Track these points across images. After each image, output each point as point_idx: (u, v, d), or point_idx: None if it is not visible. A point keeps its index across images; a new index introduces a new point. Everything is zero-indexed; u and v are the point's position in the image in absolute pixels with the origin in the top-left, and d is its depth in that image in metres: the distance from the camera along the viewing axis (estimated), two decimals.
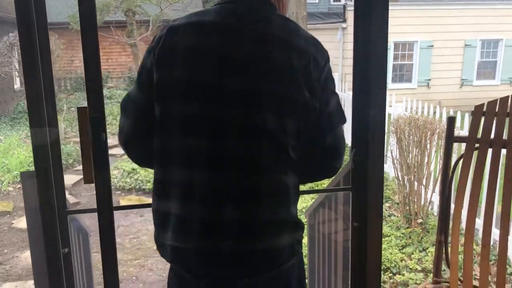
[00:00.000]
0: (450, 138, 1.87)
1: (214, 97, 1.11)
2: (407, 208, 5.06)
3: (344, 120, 1.23)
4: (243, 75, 1.11)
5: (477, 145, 1.85)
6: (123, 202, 6.11)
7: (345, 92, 8.73)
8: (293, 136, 1.14)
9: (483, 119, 1.83)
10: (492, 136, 1.82)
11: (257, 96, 1.12)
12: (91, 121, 1.56)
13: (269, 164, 1.14)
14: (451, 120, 1.86)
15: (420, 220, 4.90)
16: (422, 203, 4.99)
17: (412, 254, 4.31)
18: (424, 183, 5.00)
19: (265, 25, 1.16)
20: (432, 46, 12.52)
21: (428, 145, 4.92)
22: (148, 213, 5.86)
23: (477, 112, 1.84)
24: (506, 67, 13.13)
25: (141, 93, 1.23)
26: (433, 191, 5.05)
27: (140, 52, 12.58)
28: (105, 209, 1.61)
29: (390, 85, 12.15)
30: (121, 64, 15.95)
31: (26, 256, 4.75)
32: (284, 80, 1.12)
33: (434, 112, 6.65)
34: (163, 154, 1.20)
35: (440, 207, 1.87)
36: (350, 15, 11.97)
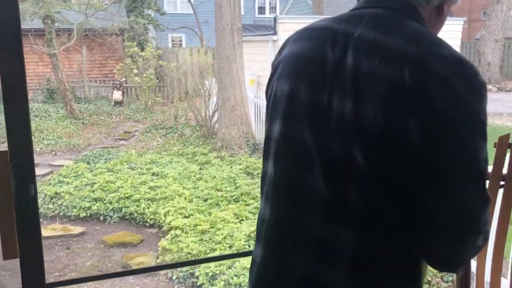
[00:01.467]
0: None
1: (313, 119, 0.89)
2: None
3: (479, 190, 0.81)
4: (333, 91, 0.86)
5: (502, 182, 1.60)
6: (45, 232, 5.41)
7: None
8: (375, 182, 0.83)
9: (508, 152, 1.58)
10: None
11: (348, 120, 0.84)
12: (14, 168, 1.11)
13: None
14: None
15: None
16: None
17: None
18: None
19: (383, 34, 0.85)
20: None
21: None
22: (76, 245, 5.21)
23: (501, 143, 1.58)
24: None
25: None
26: None
27: (60, 62, 11.66)
28: None
29: None
30: (39, 75, 14.87)
31: None
32: (371, 100, 0.82)
33: None
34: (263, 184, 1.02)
35: None
36: (281, 28, 11.87)
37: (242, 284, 4.09)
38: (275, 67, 1.01)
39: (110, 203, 5.97)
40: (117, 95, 13.62)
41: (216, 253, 4.48)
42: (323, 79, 0.87)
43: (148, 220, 5.66)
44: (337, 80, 0.86)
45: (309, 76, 0.90)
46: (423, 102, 0.78)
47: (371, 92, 0.81)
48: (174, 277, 4.43)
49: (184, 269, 4.42)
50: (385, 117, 0.79)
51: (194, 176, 6.87)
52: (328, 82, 0.86)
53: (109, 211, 5.86)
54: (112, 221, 5.77)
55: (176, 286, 4.37)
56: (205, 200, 5.94)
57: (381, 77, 0.80)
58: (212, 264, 4.31)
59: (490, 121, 12.32)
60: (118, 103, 13.59)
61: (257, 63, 12.40)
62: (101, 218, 5.81)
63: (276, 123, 0.94)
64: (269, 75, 1.04)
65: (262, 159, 1.06)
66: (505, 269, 1.96)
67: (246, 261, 4.34)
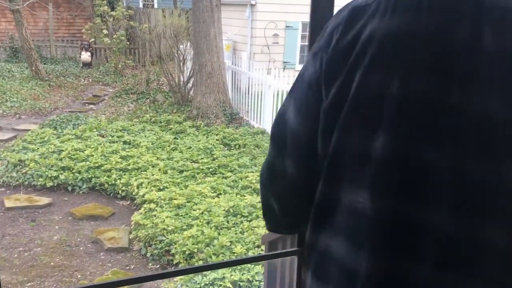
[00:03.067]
0: None
1: (436, 128, 0.61)
2: None
3: None
4: (466, 86, 0.60)
5: None
6: (9, 203, 5.07)
7: (253, 72, 8.36)
8: None
9: None
10: None
11: (496, 128, 0.60)
12: None
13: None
14: None
15: None
16: None
17: None
18: None
19: None
20: None
21: None
22: (42, 217, 4.90)
23: None
24: None
25: (305, 120, 0.76)
26: None
27: (24, 19, 10.92)
28: None
29: (297, 66, 11.90)
30: (1, 32, 14.01)
31: None
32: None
33: None
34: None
35: None
36: None
37: None
38: (349, 48, 0.68)
39: (79, 172, 5.64)
40: (85, 56, 12.98)
41: (194, 230, 4.27)
42: (449, 68, 0.60)
43: (120, 192, 5.38)
44: (472, 69, 0.59)
45: (425, 64, 0.61)
46: None
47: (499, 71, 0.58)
48: (148, 254, 4.20)
49: (159, 245, 4.20)
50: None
51: (169, 146, 6.58)
52: (457, 73, 0.60)
53: (78, 181, 5.54)
54: (81, 192, 5.46)
55: (150, 264, 4.15)
56: (181, 172, 5.68)
57: None
58: (189, 241, 4.10)
59: None
60: (87, 64, 12.97)
61: (233, 28, 11.98)
62: (69, 188, 5.49)
63: (368, 136, 0.65)
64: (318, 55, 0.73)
65: (323, 180, 0.74)
66: None
67: (226, 239, 4.15)
